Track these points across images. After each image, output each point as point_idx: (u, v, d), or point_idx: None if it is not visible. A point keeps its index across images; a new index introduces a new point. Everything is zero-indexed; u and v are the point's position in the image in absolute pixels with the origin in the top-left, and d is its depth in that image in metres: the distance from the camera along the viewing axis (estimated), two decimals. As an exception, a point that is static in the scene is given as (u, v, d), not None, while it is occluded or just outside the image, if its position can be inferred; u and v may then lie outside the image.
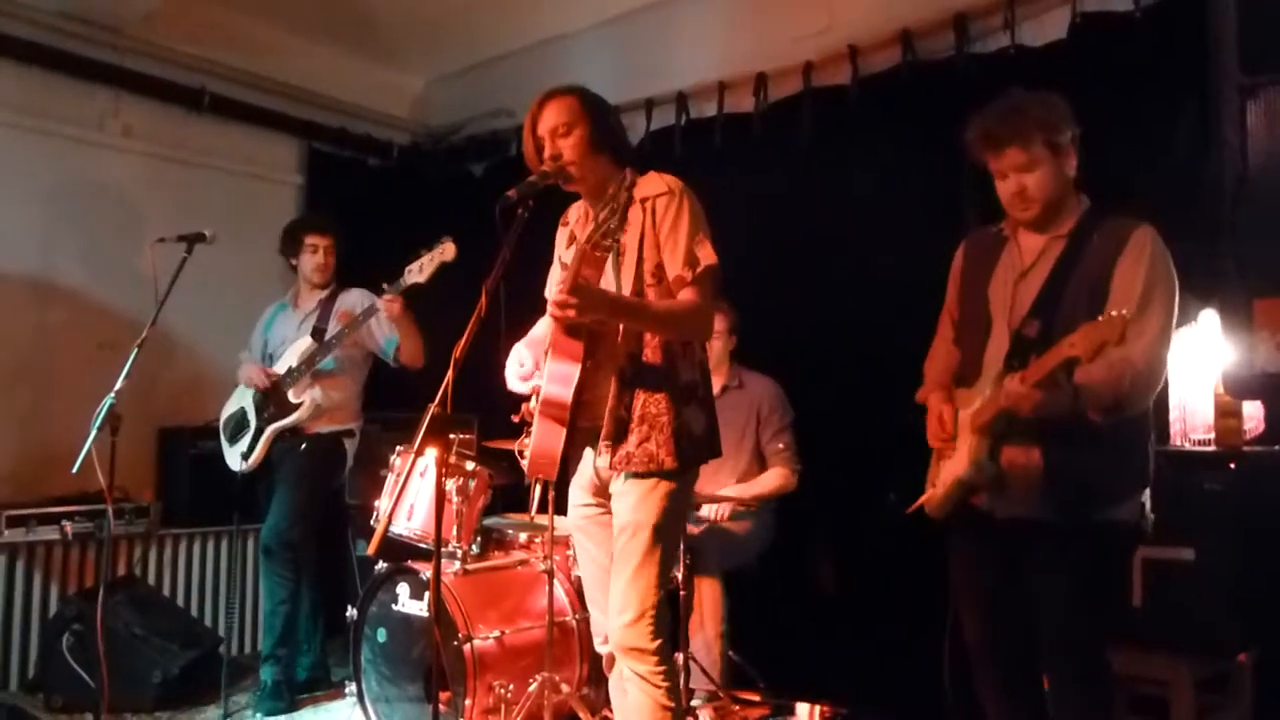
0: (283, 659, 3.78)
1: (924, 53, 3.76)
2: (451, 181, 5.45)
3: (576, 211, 2.55)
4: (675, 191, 2.33)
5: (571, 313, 2.11)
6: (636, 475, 2.28)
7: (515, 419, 2.51)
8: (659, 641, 2.26)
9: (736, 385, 3.81)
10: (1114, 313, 1.94)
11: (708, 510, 3.65)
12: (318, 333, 3.85)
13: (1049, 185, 2.24)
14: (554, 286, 2.52)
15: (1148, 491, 2.24)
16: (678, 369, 2.33)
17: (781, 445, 3.74)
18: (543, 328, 2.53)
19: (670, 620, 2.37)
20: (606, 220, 2.21)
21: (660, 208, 2.31)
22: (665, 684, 2.26)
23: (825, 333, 3.84)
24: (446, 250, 3.50)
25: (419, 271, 3.53)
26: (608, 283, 2.34)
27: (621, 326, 2.29)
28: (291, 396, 3.80)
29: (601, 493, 2.40)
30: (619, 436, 2.28)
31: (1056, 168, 2.24)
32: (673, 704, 2.27)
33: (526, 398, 2.47)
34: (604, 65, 4.63)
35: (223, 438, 3.99)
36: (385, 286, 3.63)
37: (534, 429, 2.32)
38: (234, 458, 3.91)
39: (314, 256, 3.98)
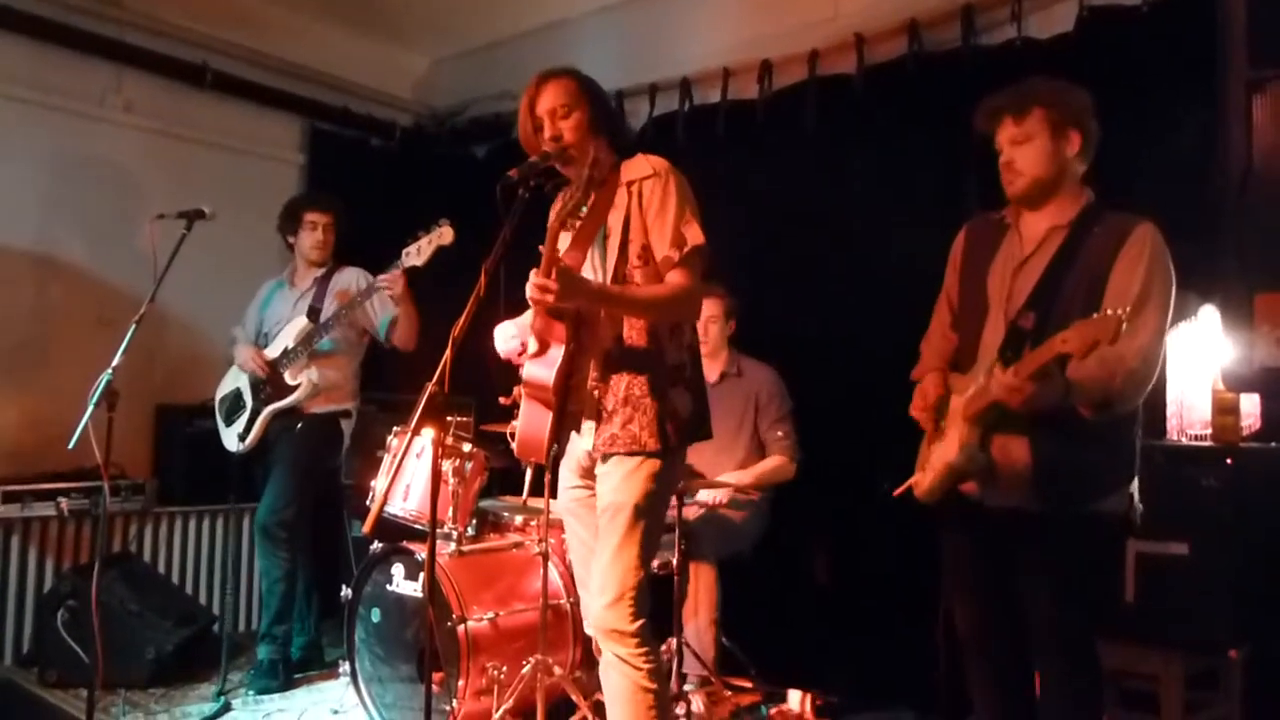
0: (279, 637, 3.79)
1: (930, 44, 3.75)
2: (453, 163, 5.42)
3: None
4: (661, 173, 2.32)
5: (550, 297, 2.09)
6: (620, 456, 2.27)
7: (504, 401, 2.50)
8: (639, 623, 2.24)
9: (735, 373, 3.80)
10: (1109, 312, 1.92)
11: (706, 495, 3.65)
12: (313, 312, 3.83)
13: (1039, 161, 2.22)
14: None
15: (1136, 482, 2.24)
16: (664, 350, 2.32)
17: (780, 433, 3.73)
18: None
19: (660, 604, 2.36)
20: (572, 195, 2.18)
21: (647, 190, 2.31)
22: (647, 665, 2.24)
23: (825, 321, 3.84)
24: (444, 234, 3.49)
25: (417, 254, 3.52)
26: (593, 264, 2.34)
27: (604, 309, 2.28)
28: (289, 377, 3.78)
29: (589, 475, 2.39)
30: (603, 418, 2.28)
31: (1052, 146, 2.21)
32: (654, 686, 2.24)
33: (518, 379, 2.47)
34: (608, 50, 4.60)
35: (218, 418, 3.97)
36: (389, 268, 3.62)
37: (521, 411, 2.31)
38: (230, 438, 3.89)
39: (313, 234, 3.96)
